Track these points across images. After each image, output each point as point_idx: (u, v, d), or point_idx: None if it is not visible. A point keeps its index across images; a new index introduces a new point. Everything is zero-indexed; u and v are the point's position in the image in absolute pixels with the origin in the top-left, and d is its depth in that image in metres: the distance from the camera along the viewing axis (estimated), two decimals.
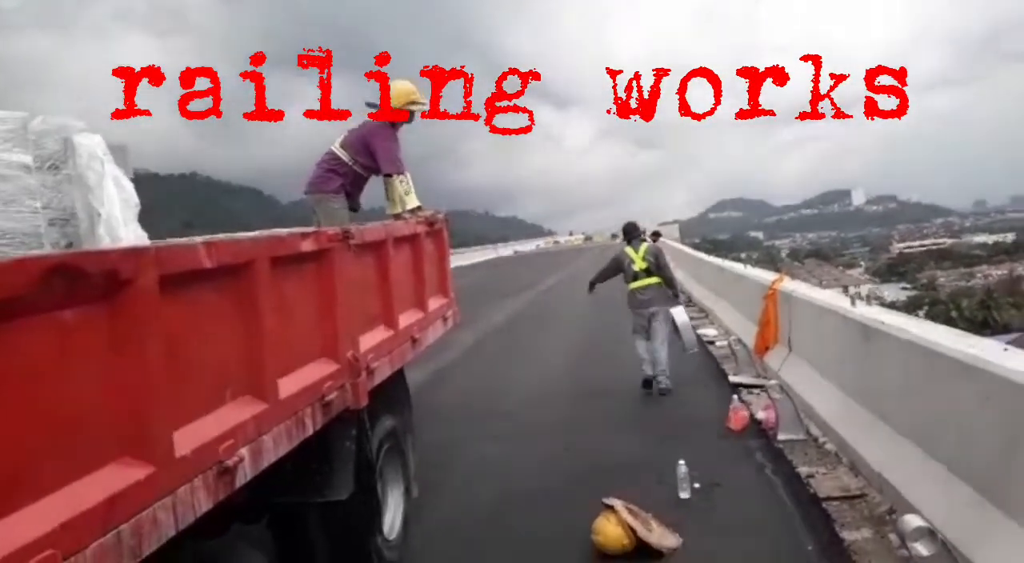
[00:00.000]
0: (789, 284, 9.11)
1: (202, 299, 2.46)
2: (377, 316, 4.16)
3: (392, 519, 4.74)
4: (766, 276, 11.01)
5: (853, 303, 6.55)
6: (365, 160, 5.73)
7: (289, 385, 2.97)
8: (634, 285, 8.85)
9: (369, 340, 3.91)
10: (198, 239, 2.40)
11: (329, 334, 3.39)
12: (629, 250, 8.97)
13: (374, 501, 4.24)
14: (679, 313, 8.77)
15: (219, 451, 2.44)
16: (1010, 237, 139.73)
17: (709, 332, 12.35)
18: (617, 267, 9.10)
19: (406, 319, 4.62)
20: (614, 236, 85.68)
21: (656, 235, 17.73)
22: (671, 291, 8.98)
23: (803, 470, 5.61)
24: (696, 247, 41.91)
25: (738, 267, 14.02)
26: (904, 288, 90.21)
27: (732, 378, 8.84)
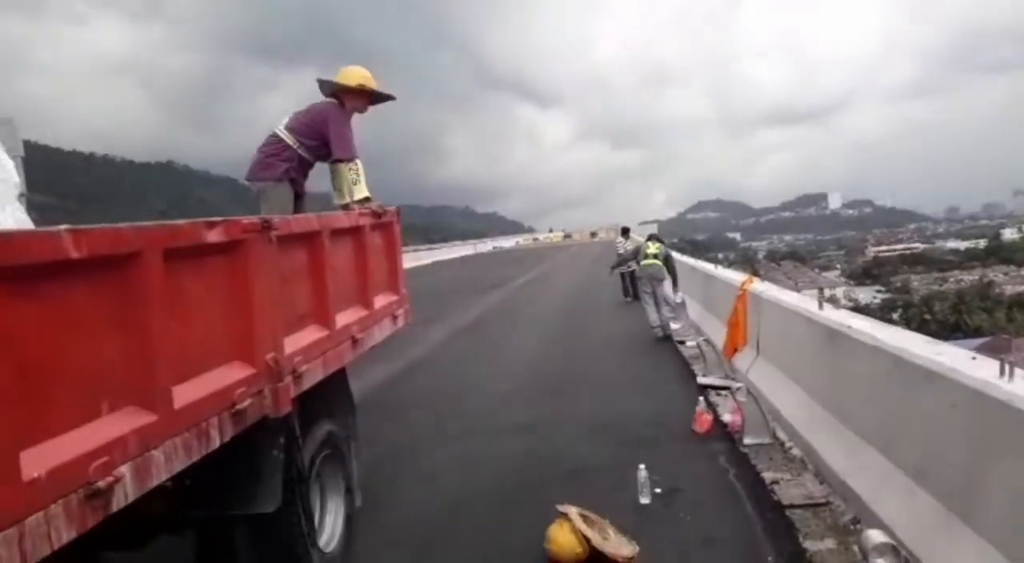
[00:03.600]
0: (758, 285, 8.97)
1: (68, 296, 2.13)
2: (308, 315, 3.81)
3: (331, 530, 4.45)
4: (736, 277, 10.91)
5: (820, 306, 6.35)
6: (312, 143, 5.35)
7: (187, 393, 2.64)
8: (644, 262, 12.40)
9: (297, 341, 3.57)
10: (63, 227, 2.06)
11: (243, 335, 3.06)
12: (649, 242, 12.72)
13: (306, 513, 3.93)
14: (668, 287, 12.18)
15: (88, 471, 2.12)
16: (981, 243, 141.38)
17: (676, 327, 12.39)
18: (636, 252, 13.31)
19: (345, 318, 4.28)
20: (593, 234, 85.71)
21: (626, 231, 18.33)
22: (671, 277, 12.24)
23: (768, 476, 5.46)
24: (674, 247, 41.84)
25: (708, 267, 13.94)
26: (879, 291, 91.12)
27: (700, 379, 8.80)
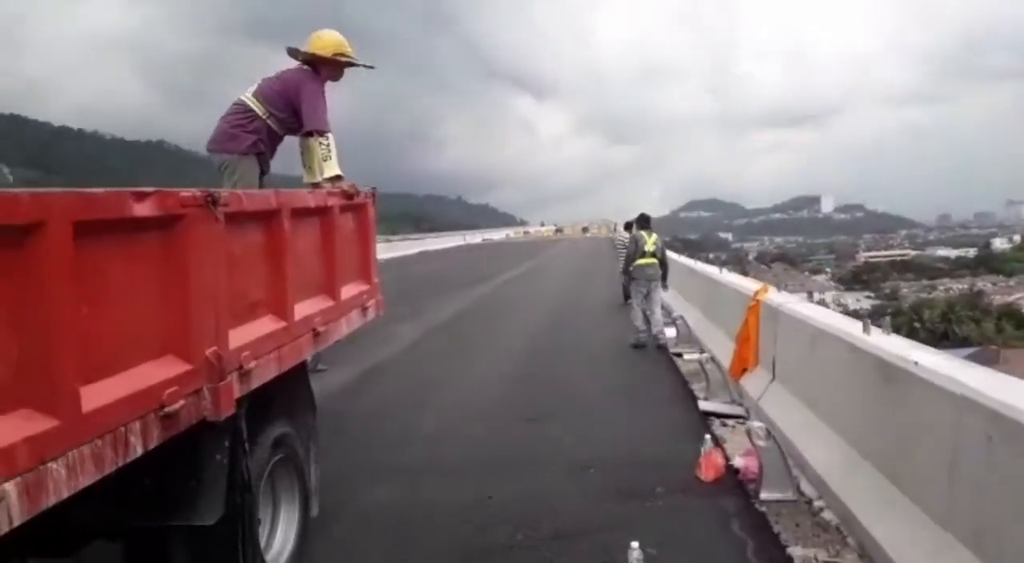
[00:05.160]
0: (776, 296, 7.62)
1: None
2: (261, 304, 3.40)
3: (282, 543, 4.04)
4: (748, 284, 9.53)
5: (867, 329, 4.98)
6: (282, 114, 4.93)
7: (101, 394, 2.24)
8: (641, 261, 11.31)
9: (246, 334, 3.16)
10: None
11: (178, 326, 2.65)
12: (644, 234, 11.54)
13: (252, 525, 3.53)
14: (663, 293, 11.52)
15: None
16: (972, 252, 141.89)
17: (670, 335, 11.36)
18: (636, 243, 11.57)
19: (306, 308, 3.86)
20: (585, 230, 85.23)
21: (630, 226, 17.24)
22: (662, 272, 11.35)
23: (796, 553, 4.26)
24: (667, 246, 41.30)
25: (712, 271, 12.48)
26: (868, 296, 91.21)
27: (703, 404, 7.59)
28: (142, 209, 2.42)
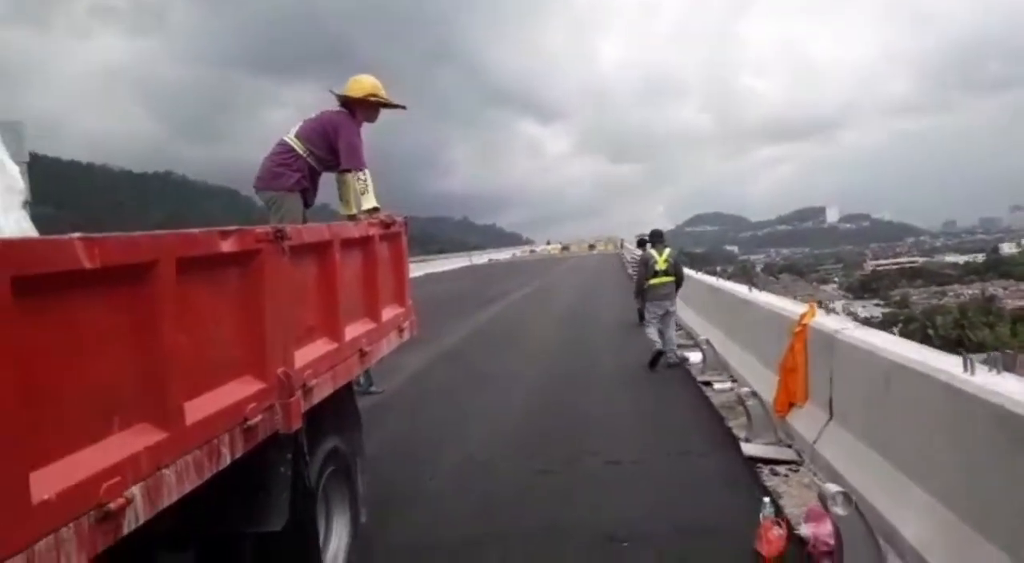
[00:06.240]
0: (828, 320, 6.54)
1: (80, 308, 2.04)
2: (318, 327, 3.74)
3: (336, 549, 4.35)
4: (787, 306, 8.32)
5: (968, 367, 3.93)
6: (321, 152, 5.30)
7: (199, 409, 2.55)
8: (655, 281, 10.97)
9: (307, 354, 3.49)
10: (75, 234, 1.98)
11: (255, 348, 2.97)
12: (654, 252, 11.17)
13: (313, 531, 3.84)
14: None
15: (99, 492, 2.03)
16: (980, 257, 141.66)
17: (695, 359, 10.67)
18: (645, 265, 11.24)
19: (354, 330, 4.20)
20: (591, 247, 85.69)
21: (643, 243, 16.51)
22: (676, 288, 11.05)
23: None
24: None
25: (740, 290, 11.18)
26: (877, 304, 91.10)
27: (746, 448, 6.50)
28: (227, 245, 2.75)
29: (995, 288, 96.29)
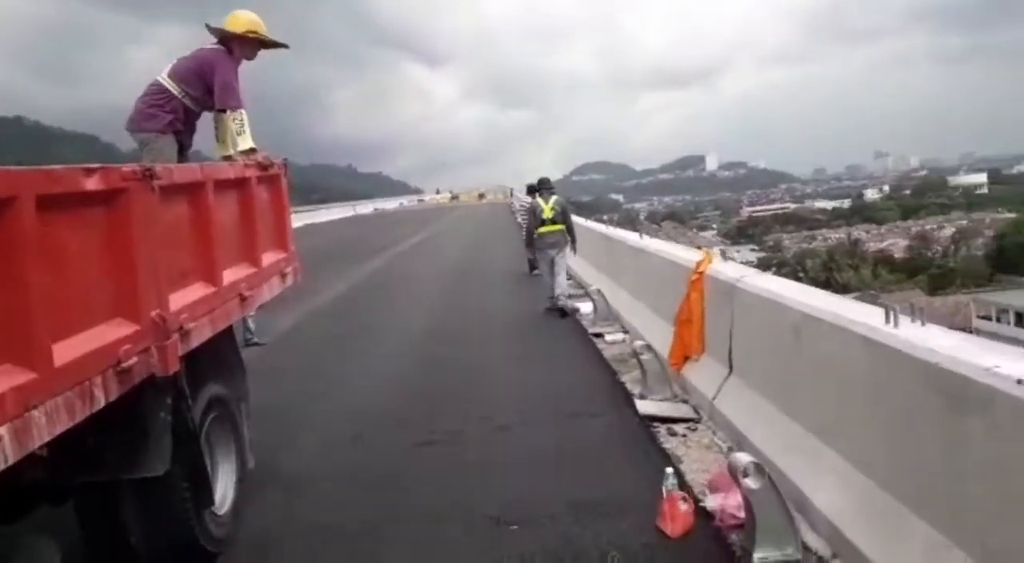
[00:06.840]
0: (726, 267, 6.15)
1: None
2: (194, 271, 3.68)
3: (223, 493, 4.34)
4: (683, 254, 7.86)
5: (890, 318, 3.54)
6: (196, 93, 5.12)
7: (70, 350, 2.51)
8: (543, 230, 10.94)
9: (183, 297, 3.44)
10: None
11: (127, 290, 2.92)
12: (540, 200, 11.12)
13: (198, 475, 3.81)
14: (567, 254, 11.01)
15: None
16: (846, 203, 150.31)
17: (586, 309, 10.41)
18: (533, 214, 11.23)
19: (232, 274, 4.14)
20: (481, 196, 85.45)
21: (533, 190, 15.78)
22: (570, 238, 10.94)
23: None
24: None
25: (631, 238, 11.00)
26: (752, 249, 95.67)
27: (642, 405, 6.09)
28: (91, 183, 2.67)
29: (859, 232, 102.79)
